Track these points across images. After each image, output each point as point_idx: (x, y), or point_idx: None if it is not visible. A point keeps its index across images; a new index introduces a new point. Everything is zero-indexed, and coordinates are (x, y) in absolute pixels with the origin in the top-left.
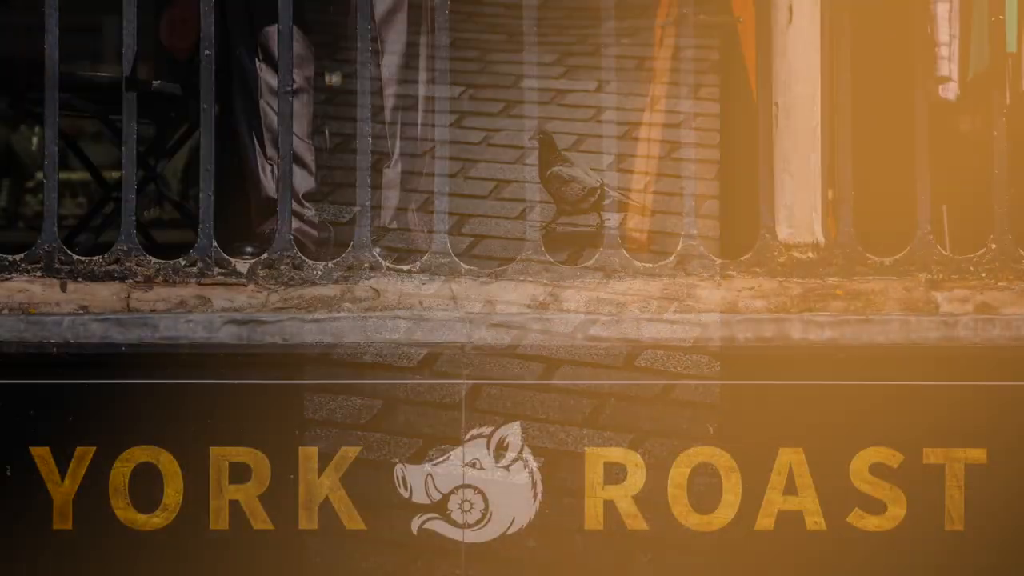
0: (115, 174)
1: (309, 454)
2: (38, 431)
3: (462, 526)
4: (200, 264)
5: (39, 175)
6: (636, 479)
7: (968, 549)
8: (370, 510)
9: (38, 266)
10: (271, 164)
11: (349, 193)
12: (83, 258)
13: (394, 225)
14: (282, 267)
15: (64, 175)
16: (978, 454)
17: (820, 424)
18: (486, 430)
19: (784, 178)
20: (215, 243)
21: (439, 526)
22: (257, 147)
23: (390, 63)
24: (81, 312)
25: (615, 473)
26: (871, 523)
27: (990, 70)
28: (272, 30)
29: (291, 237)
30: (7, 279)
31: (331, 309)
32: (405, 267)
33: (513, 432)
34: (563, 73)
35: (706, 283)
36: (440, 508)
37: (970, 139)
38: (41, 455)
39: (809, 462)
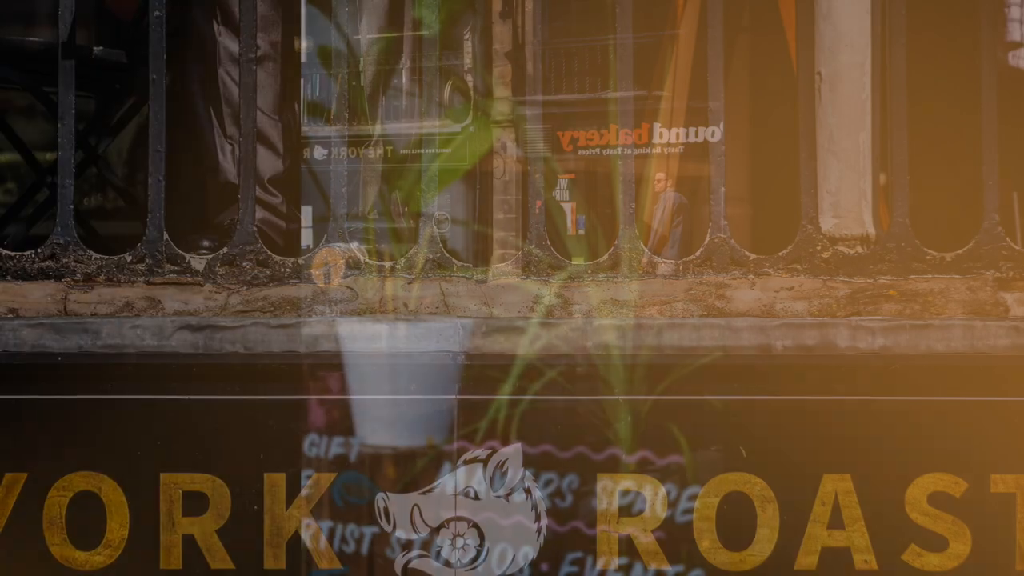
0: (50, 156)
1: (276, 481)
2: None
3: (454, 565)
4: (149, 260)
5: None
6: (657, 510)
7: None
8: (347, 547)
9: None
10: (231, 144)
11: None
12: (12, 253)
13: (374, 215)
14: (244, 264)
15: None
16: None
17: (870, 446)
18: (481, 453)
19: (829, 160)
20: (166, 236)
21: (427, 565)
22: (215, 124)
23: (369, 24)
24: (10, 316)
25: (632, 503)
26: (930, 562)
27: None
28: None
29: (255, 229)
30: None
31: (301, 313)
32: (387, 264)
33: (513, 455)
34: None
35: (738, 282)
36: (428, 544)
37: None
38: None
39: (858, 490)
